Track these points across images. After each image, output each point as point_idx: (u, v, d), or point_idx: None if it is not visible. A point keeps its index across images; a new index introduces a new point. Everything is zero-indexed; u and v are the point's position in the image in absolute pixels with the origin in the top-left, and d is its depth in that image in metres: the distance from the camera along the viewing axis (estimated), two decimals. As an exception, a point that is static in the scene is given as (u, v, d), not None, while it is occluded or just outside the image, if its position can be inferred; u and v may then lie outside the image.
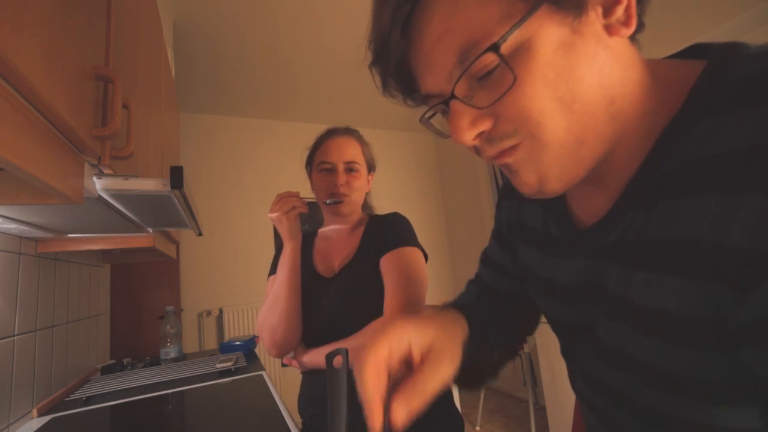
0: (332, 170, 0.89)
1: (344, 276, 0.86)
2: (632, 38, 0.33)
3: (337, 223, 0.96)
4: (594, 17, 0.29)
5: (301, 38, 2.27)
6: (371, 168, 0.96)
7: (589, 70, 0.29)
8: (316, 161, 0.92)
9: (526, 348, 2.37)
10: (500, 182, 3.21)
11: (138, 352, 1.78)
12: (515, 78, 0.29)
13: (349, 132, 0.94)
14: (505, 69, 0.29)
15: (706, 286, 0.27)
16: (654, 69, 0.33)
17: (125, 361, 1.57)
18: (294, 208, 0.85)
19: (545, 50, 0.28)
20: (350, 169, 0.90)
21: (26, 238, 0.98)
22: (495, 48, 0.28)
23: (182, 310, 2.48)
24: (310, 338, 0.86)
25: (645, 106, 0.32)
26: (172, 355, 1.53)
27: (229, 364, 1.32)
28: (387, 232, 0.87)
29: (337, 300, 0.84)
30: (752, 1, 1.71)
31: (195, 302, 2.80)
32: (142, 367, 1.47)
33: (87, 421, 0.95)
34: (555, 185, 0.33)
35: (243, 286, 2.98)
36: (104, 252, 1.56)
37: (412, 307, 0.77)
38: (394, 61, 0.35)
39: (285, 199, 0.85)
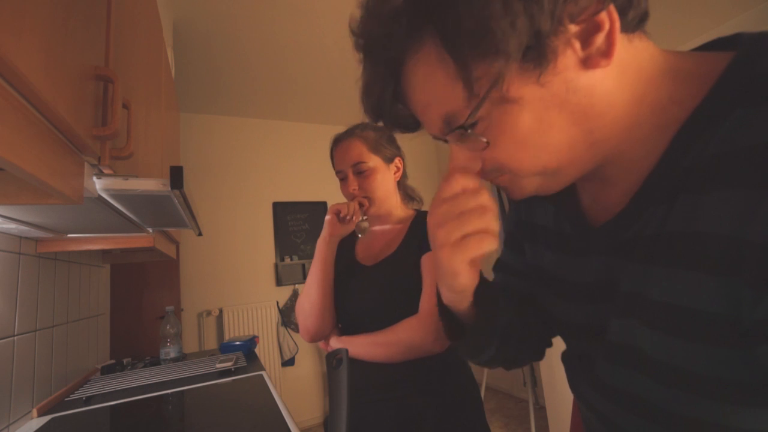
0: (345, 178, 0.90)
1: (385, 266, 0.87)
2: (639, 30, 0.32)
3: (378, 223, 0.96)
4: (566, 61, 0.29)
5: (300, 38, 2.27)
6: (390, 158, 0.92)
7: (559, 116, 0.30)
8: (335, 172, 0.93)
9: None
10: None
11: (138, 352, 1.78)
12: (487, 143, 0.33)
13: (350, 133, 0.91)
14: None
15: (723, 281, 0.27)
16: (674, 64, 0.32)
17: (125, 361, 1.57)
18: (337, 211, 0.88)
19: (512, 112, 0.31)
20: (358, 171, 0.88)
21: (26, 238, 0.98)
22: (463, 127, 0.32)
23: (182, 310, 2.48)
24: (343, 324, 0.89)
25: (639, 116, 0.32)
26: (172, 355, 1.53)
27: (229, 364, 1.32)
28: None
29: (374, 289, 0.85)
30: (752, 1, 1.71)
31: (195, 302, 2.80)
32: (142, 367, 1.47)
33: (87, 421, 0.95)
34: (533, 194, 0.37)
35: (243, 286, 2.98)
36: (104, 252, 1.56)
37: None
38: (391, 121, 0.40)
39: (350, 205, 0.89)
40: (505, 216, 0.59)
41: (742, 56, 0.29)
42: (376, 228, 0.96)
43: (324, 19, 2.11)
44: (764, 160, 0.25)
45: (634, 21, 0.30)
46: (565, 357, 0.49)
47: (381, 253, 0.90)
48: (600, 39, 0.29)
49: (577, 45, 0.29)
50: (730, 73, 0.29)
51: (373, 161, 0.88)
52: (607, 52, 0.29)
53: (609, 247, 0.37)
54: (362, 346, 0.80)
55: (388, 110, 0.38)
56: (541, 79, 0.29)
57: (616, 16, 0.28)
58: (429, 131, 0.38)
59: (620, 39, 0.30)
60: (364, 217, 0.93)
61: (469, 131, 0.32)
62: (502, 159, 0.33)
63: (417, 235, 0.87)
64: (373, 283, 0.85)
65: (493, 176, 0.37)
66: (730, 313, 0.27)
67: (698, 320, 0.28)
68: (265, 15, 2.05)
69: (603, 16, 0.28)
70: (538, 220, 0.49)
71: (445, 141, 0.38)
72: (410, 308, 0.79)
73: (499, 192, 3.21)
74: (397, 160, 0.93)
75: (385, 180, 0.90)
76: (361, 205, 0.88)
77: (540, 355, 0.57)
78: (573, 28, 0.29)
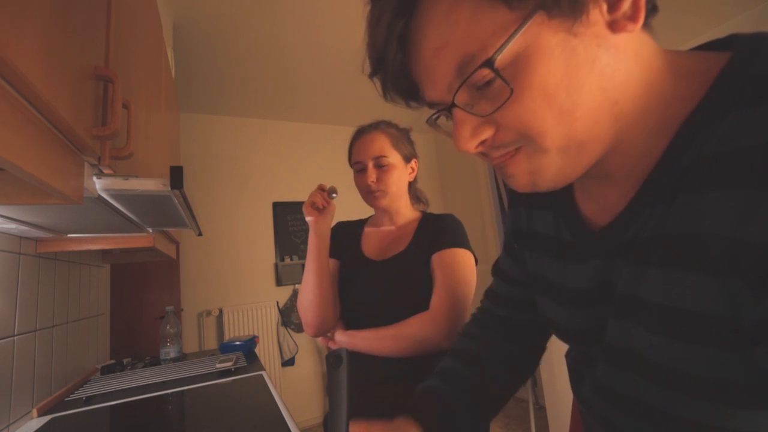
0: (364, 169, 0.91)
1: (395, 262, 0.88)
2: (645, 24, 0.31)
3: (385, 218, 0.96)
4: (596, 17, 0.28)
5: (300, 38, 2.27)
6: (408, 157, 0.94)
7: (589, 75, 0.28)
8: (352, 163, 0.94)
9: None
10: (500, 183, 3.20)
11: (138, 352, 1.78)
12: (512, 91, 0.29)
13: (374, 126, 0.93)
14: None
15: (722, 282, 0.26)
16: (673, 61, 0.32)
17: (125, 361, 1.57)
18: (312, 203, 0.88)
19: (542, 60, 0.28)
20: (379, 164, 0.90)
21: (26, 238, 0.98)
22: (490, 63, 0.28)
23: (182, 310, 2.48)
24: (350, 318, 0.89)
25: (650, 102, 0.31)
26: (172, 355, 1.53)
27: (229, 364, 1.32)
28: (442, 231, 0.89)
29: (384, 283, 0.86)
30: (752, 1, 1.71)
31: (195, 302, 2.80)
32: (142, 367, 1.47)
33: (87, 421, 0.95)
34: (548, 184, 0.33)
35: (243, 286, 2.98)
36: (104, 252, 1.55)
37: (457, 308, 0.79)
38: (392, 73, 0.35)
39: (309, 196, 0.89)
40: (505, 218, 0.58)
41: (737, 57, 0.29)
42: (384, 226, 0.97)
43: (324, 19, 2.11)
44: (761, 160, 0.25)
45: (647, 7, 0.30)
46: (568, 358, 0.49)
47: (390, 249, 0.91)
48: (626, 4, 0.28)
49: (605, 7, 0.28)
50: (726, 74, 0.29)
51: (394, 157, 0.91)
52: (634, 16, 0.28)
53: (608, 250, 0.37)
54: (370, 340, 0.81)
55: (392, 57, 0.33)
56: (573, 29, 0.28)
57: None
58: (431, 93, 0.34)
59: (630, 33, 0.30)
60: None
61: (494, 69, 0.28)
62: (524, 116, 0.29)
63: (426, 234, 0.89)
64: (383, 278, 0.86)
65: (503, 150, 0.32)
66: (729, 315, 0.27)
67: (697, 322, 0.28)
68: (265, 15, 2.05)
69: None
70: (538, 228, 0.48)
71: (447, 112, 0.34)
72: (417, 305, 0.80)
73: (500, 195, 3.21)
74: (413, 162, 0.96)
75: (401, 177, 0.92)
76: (322, 189, 0.89)
77: (534, 366, 0.58)
78: None
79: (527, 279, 0.52)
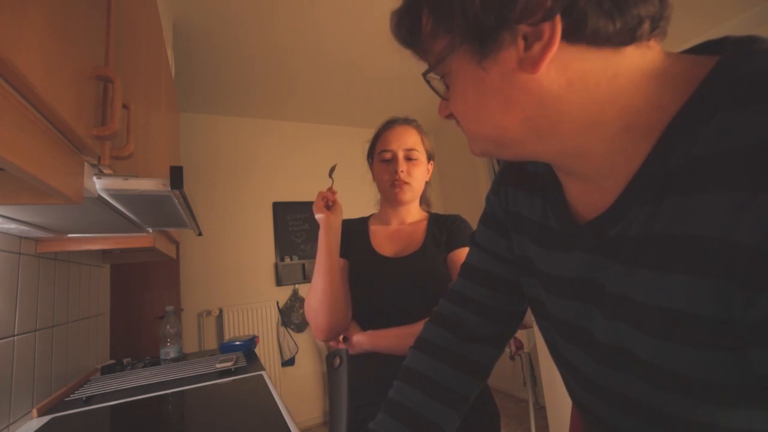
0: (392, 159, 0.90)
1: (416, 258, 0.87)
2: (621, 40, 0.31)
3: (395, 215, 0.96)
4: (506, 56, 0.31)
5: (300, 38, 2.28)
6: (431, 157, 0.96)
7: (499, 106, 0.33)
8: (377, 151, 0.93)
9: (526, 348, 2.37)
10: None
11: (138, 352, 1.78)
12: (447, 87, 0.38)
13: (408, 121, 0.94)
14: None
15: (714, 284, 0.26)
16: (664, 67, 0.32)
17: (125, 361, 1.57)
18: (324, 198, 0.88)
19: (459, 82, 0.35)
20: (410, 157, 0.90)
21: (26, 238, 0.98)
22: (424, 76, 0.38)
23: (182, 310, 2.48)
24: (369, 317, 0.86)
25: (600, 117, 0.31)
26: (172, 355, 1.53)
27: (229, 364, 1.32)
28: (457, 230, 0.90)
29: (410, 280, 0.84)
30: (752, 1, 1.71)
31: (195, 302, 2.81)
32: (142, 367, 1.47)
33: (87, 421, 0.95)
34: (481, 155, 0.41)
35: (243, 286, 2.99)
36: (104, 252, 1.56)
37: None
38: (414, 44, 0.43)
39: (318, 195, 0.90)
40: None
41: (725, 60, 0.29)
42: (392, 224, 0.96)
43: (324, 19, 2.11)
44: (749, 162, 0.25)
45: (606, 34, 0.29)
46: (555, 358, 0.49)
47: (406, 247, 0.90)
48: (537, 48, 0.29)
49: (522, 45, 0.30)
50: (713, 77, 0.29)
51: (421, 154, 0.92)
52: (534, 63, 0.29)
53: (593, 245, 0.37)
54: (392, 339, 0.79)
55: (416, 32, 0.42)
56: (483, 63, 0.32)
57: (558, 31, 0.28)
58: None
59: (574, 50, 0.29)
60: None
61: (427, 79, 0.38)
62: (454, 111, 0.38)
63: (441, 233, 0.90)
64: (407, 275, 0.85)
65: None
66: (721, 316, 0.27)
67: (689, 324, 0.28)
68: (265, 15, 2.05)
69: (546, 26, 0.28)
70: (524, 212, 0.49)
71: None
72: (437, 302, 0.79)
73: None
74: (431, 163, 0.97)
75: (423, 175, 0.93)
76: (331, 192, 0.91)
77: (500, 350, 0.57)
78: (524, 28, 0.29)
79: (513, 257, 0.52)
